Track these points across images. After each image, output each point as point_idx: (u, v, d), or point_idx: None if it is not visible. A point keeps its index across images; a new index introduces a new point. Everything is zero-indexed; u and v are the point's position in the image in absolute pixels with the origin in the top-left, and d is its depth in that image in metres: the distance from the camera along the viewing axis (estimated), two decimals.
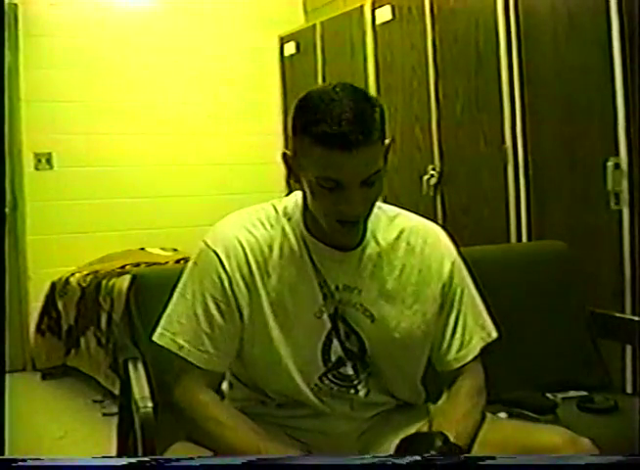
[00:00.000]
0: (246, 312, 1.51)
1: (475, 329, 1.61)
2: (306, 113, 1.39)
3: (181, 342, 1.50)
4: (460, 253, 1.65)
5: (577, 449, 1.41)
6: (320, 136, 1.35)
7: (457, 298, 1.60)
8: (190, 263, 1.56)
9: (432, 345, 1.60)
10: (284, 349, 1.51)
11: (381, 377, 1.59)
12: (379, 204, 1.54)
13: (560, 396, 2.17)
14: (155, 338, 1.53)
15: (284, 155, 1.48)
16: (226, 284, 1.49)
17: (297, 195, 1.56)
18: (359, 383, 1.57)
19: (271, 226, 1.53)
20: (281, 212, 1.55)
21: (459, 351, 1.59)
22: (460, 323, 1.60)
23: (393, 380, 1.60)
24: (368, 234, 1.54)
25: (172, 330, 1.51)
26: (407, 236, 1.58)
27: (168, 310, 1.54)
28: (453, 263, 1.60)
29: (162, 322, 1.53)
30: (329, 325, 1.53)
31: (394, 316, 1.55)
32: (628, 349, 2.75)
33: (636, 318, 2.44)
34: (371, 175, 1.39)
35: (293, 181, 1.50)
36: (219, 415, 1.47)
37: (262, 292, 1.50)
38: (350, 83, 1.43)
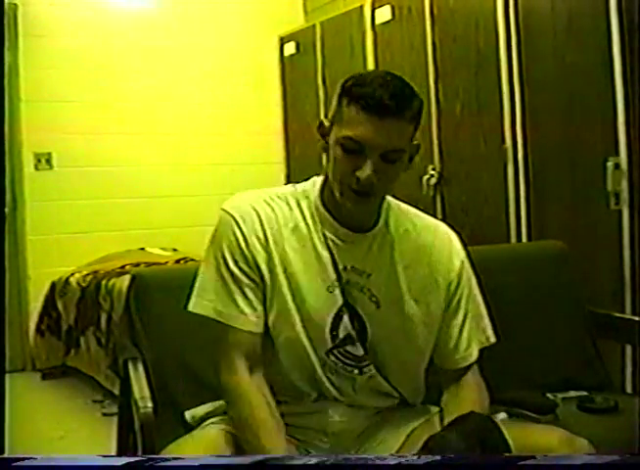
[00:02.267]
0: (265, 272, 1.53)
1: (477, 331, 1.64)
2: (353, 80, 1.47)
3: (219, 307, 1.52)
4: (469, 255, 1.66)
5: (574, 450, 1.42)
6: (358, 96, 1.43)
7: (464, 297, 1.62)
8: (212, 233, 1.58)
9: (436, 342, 1.61)
10: (297, 319, 1.53)
11: (383, 367, 1.59)
12: (391, 199, 1.58)
13: (560, 396, 2.16)
14: (190, 307, 1.55)
15: (320, 123, 1.53)
16: (242, 244, 1.52)
17: (316, 179, 1.60)
18: (364, 365, 1.57)
19: (287, 203, 1.57)
20: (299, 191, 1.59)
21: (467, 349, 1.62)
22: (467, 322, 1.62)
23: (395, 371, 1.61)
24: (381, 221, 1.57)
25: (207, 297, 1.53)
26: (419, 230, 1.61)
27: (199, 280, 1.56)
28: (462, 263, 1.62)
29: (196, 291, 1.55)
30: (340, 301, 1.55)
31: (400, 306, 1.56)
32: (628, 349, 2.75)
33: (636, 318, 2.44)
34: (393, 151, 1.44)
35: (324, 153, 1.54)
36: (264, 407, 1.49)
37: (277, 257, 1.53)
38: None
